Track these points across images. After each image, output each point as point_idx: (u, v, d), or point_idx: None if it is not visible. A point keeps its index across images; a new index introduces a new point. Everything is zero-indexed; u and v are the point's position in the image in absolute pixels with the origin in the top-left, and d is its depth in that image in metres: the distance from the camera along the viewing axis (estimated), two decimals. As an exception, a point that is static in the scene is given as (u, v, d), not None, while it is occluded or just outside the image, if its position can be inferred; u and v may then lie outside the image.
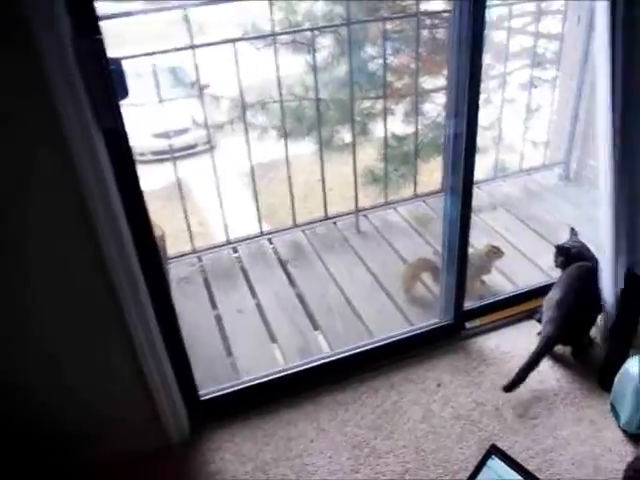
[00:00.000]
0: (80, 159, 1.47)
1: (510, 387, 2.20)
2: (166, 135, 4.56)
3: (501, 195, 3.67)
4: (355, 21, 3.30)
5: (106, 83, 1.48)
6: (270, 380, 2.26)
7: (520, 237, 3.21)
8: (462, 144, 2.10)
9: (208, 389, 2.22)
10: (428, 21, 4.02)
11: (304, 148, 4.19)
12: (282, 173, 3.38)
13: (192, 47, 2.72)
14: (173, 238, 4.15)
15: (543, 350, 2.24)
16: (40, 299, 1.67)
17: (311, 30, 3.04)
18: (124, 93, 1.62)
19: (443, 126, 4.47)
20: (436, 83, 4.41)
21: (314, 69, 3.15)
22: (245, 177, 5.48)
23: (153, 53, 2.65)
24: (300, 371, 2.30)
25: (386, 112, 3.49)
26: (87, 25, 1.39)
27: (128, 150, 1.62)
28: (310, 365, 2.32)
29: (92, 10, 1.39)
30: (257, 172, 3.50)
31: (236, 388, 2.24)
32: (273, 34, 2.97)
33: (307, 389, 2.28)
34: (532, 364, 2.22)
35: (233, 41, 2.86)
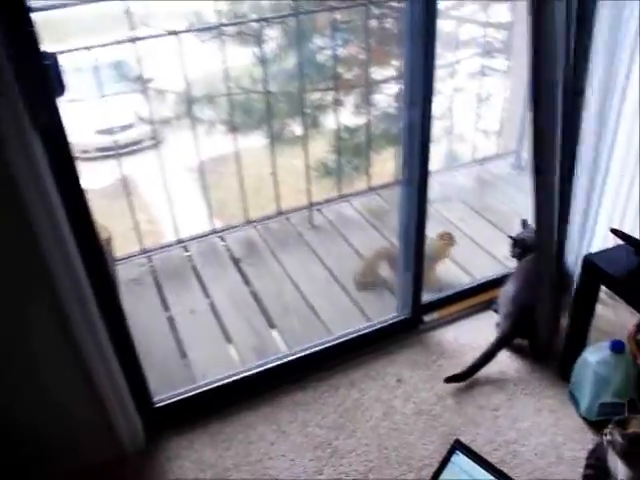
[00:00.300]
0: (16, 161, 1.37)
1: (452, 379, 2.20)
2: (110, 131, 4.43)
3: (454, 186, 3.66)
4: (303, 11, 3.22)
5: (41, 80, 1.39)
6: (227, 383, 2.19)
7: (475, 228, 3.21)
8: (417, 134, 2.07)
9: (163, 395, 2.14)
10: (377, 11, 3.98)
11: (254, 141, 4.12)
12: (232, 167, 3.31)
13: (133, 40, 2.62)
14: (122, 237, 4.04)
15: (498, 346, 2.24)
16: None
17: (258, 21, 2.95)
18: (61, 90, 1.53)
19: (394, 117, 4.47)
20: (385, 74, 4.38)
21: (262, 61, 3.05)
22: (194, 172, 5.41)
23: (92, 47, 2.54)
24: (258, 372, 2.24)
25: (338, 103, 3.40)
26: (18, 18, 1.29)
27: (67, 149, 1.53)
28: (268, 366, 2.26)
29: (22, 1, 1.30)
30: (207, 167, 3.42)
31: (192, 393, 2.16)
32: (219, 25, 2.87)
33: (266, 390, 2.22)
34: (486, 359, 2.22)
35: (176, 33, 2.76)
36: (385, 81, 4.45)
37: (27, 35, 1.32)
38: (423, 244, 2.32)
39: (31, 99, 1.36)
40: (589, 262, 1.99)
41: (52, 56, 1.50)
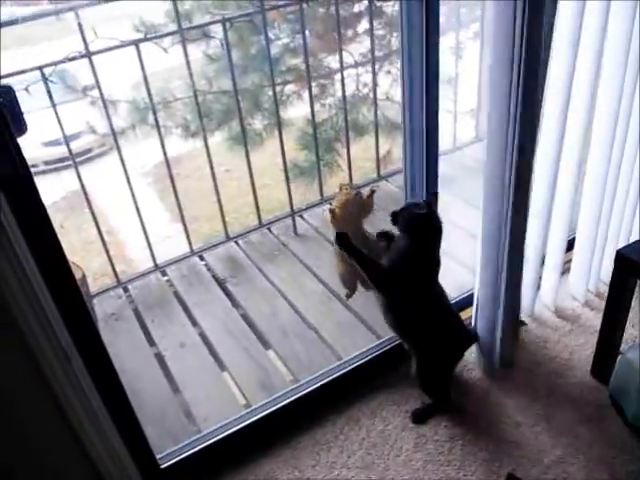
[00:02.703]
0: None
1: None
2: (57, 142, 4.18)
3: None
4: (269, 8, 2.97)
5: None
6: (236, 430, 1.95)
7: (470, 220, 3.00)
8: (422, 123, 1.93)
9: (167, 450, 1.90)
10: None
11: (211, 140, 3.91)
12: (185, 168, 3.04)
13: (88, 55, 2.35)
14: (84, 252, 3.77)
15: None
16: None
17: (223, 22, 2.70)
18: (21, 127, 1.29)
19: (359, 105, 4.27)
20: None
21: (230, 61, 2.79)
22: (148, 177, 5.16)
23: (45, 66, 2.28)
24: (268, 413, 2.00)
25: (311, 95, 3.18)
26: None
27: (37, 200, 1.29)
28: (278, 405, 2.02)
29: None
30: (160, 170, 3.13)
31: (201, 445, 1.91)
32: (181, 30, 2.61)
33: (280, 432, 2.00)
34: None
35: (137, 43, 2.50)
36: (345, 68, 4.23)
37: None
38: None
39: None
40: (622, 256, 1.83)
41: (7, 90, 1.26)
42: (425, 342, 1.93)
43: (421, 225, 1.81)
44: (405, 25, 1.76)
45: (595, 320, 2.16)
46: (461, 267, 2.70)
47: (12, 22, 2.01)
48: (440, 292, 1.93)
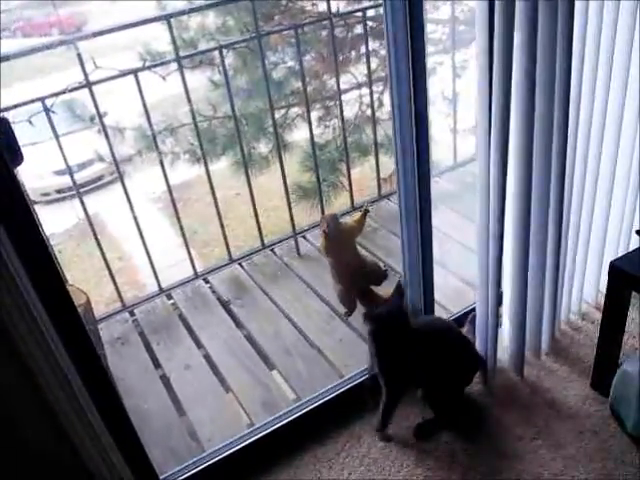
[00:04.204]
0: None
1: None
2: (67, 171, 4.26)
3: (438, 192, 3.49)
4: (265, 33, 3.04)
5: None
6: (239, 449, 1.98)
7: (468, 234, 3.02)
8: (412, 139, 1.92)
9: (170, 471, 1.93)
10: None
11: (218, 165, 3.96)
12: (196, 193, 3.09)
13: (89, 85, 2.42)
14: (97, 278, 3.82)
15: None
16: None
17: (220, 49, 2.76)
18: (17, 159, 1.34)
19: (362, 126, 4.32)
20: (344, 82, 4.22)
21: (221, 85, 2.86)
22: (158, 202, 5.22)
23: (45, 97, 2.36)
24: (270, 432, 2.03)
25: (310, 119, 3.23)
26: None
27: (34, 228, 1.33)
28: (281, 423, 2.05)
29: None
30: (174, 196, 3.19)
31: (203, 465, 1.94)
32: (178, 58, 2.67)
33: (282, 449, 2.02)
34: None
35: (135, 72, 2.58)
36: (346, 90, 4.29)
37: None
38: (431, 263, 2.14)
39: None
40: (615, 268, 1.85)
41: (3, 122, 1.31)
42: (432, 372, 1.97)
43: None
44: (392, 47, 1.80)
45: (594, 332, 2.17)
46: (460, 282, 2.73)
47: (3, 58, 2.06)
48: (438, 325, 2.01)
